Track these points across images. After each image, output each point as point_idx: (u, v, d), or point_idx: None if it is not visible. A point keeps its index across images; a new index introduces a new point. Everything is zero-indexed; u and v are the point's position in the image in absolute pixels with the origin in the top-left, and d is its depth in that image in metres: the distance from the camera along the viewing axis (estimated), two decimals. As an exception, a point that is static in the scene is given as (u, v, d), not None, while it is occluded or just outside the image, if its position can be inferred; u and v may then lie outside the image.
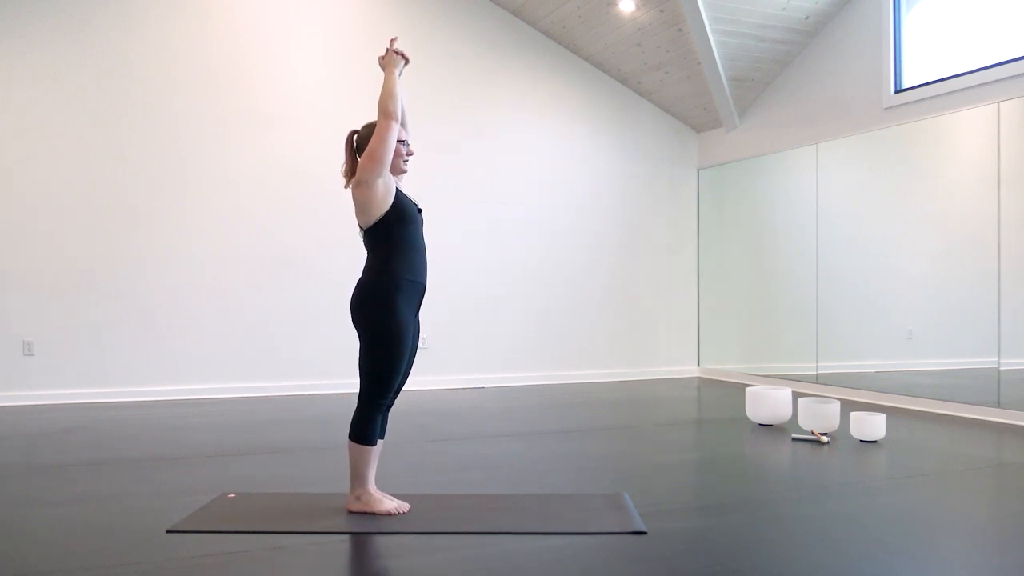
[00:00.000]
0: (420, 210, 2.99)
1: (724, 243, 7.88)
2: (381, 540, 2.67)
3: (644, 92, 7.86)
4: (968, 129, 5.59)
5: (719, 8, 6.33)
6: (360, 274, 2.94)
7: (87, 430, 4.79)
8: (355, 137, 3.01)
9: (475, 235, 7.23)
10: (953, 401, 5.55)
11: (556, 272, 7.55)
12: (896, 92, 6.09)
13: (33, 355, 5.93)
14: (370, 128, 2.94)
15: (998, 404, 5.28)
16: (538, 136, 7.50)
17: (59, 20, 6.02)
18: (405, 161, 2.98)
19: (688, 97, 7.64)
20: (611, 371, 7.75)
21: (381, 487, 3.17)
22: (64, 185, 6.03)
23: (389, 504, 2.90)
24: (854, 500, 3.18)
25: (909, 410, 5.67)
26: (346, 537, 2.68)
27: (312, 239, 6.67)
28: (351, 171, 2.99)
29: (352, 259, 6.80)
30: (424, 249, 2.97)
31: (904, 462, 3.95)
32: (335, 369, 6.68)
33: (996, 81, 5.37)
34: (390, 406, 3.00)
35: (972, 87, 5.52)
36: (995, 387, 5.32)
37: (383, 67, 2.95)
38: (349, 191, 2.94)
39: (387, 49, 2.97)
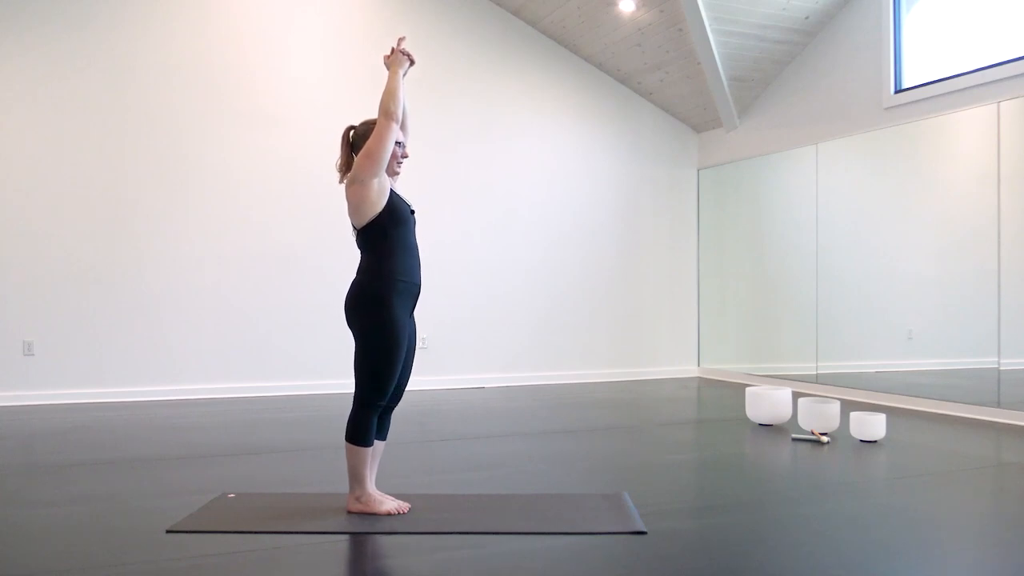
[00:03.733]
0: (413, 211, 2.98)
1: (724, 243, 7.88)
2: (381, 540, 2.67)
3: (644, 92, 7.86)
4: (968, 129, 5.59)
5: (719, 8, 6.33)
6: (354, 275, 2.93)
7: (87, 430, 4.79)
8: (351, 133, 3.00)
9: (475, 235, 7.23)
10: (953, 401, 5.55)
11: (556, 272, 7.55)
12: (896, 92, 6.09)
13: (33, 355, 5.93)
14: (367, 125, 2.93)
15: (998, 404, 5.28)
16: (538, 136, 7.50)
17: (59, 21, 6.01)
18: (400, 163, 2.97)
19: (688, 97, 7.64)
20: (611, 371, 7.75)
21: (382, 487, 3.17)
22: (64, 185, 6.03)
23: (389, 504, 2.90)
24: (854, 500, 3.18)
25: (909, 410, 5.67)
26: (346, 537, 2.68)
27: (313, 239, 6.67)
28: (346, 167, 2.99)
29: (353, 259, 6.79)
30: (417, 250, 2.95)
31: (904, 462, 3.95)
32: (335, 369, 6.67)
33: (996, 81, 5.37)
34: (392, 407, 2.99)
35: (972, 87, 5.52)
36: (995, 387, 5.32)
37: (388, 66, 2.94)
38: (342, 188, 2.94)
39: (393, 48, 2.96)
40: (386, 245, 2.85)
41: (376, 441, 2.98)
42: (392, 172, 2.96)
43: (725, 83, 7.10)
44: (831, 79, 6.62)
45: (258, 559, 2.46)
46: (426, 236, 7.04)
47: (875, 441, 4.41)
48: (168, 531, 2.71)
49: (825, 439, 4.40)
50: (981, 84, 5.46)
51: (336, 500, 3.08)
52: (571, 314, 7.60)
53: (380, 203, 2.84)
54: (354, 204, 2.85)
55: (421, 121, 6.88)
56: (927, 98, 5.82)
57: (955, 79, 5.64)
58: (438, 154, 7.03)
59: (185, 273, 6.32)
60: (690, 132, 8.19)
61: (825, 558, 2.48)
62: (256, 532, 2.70)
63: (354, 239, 2.94)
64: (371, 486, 2.93)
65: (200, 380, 6.34)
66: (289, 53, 6.66)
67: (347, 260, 6.96)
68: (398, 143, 2.93)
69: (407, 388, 3.08)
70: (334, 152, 7.44)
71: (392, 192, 2.90)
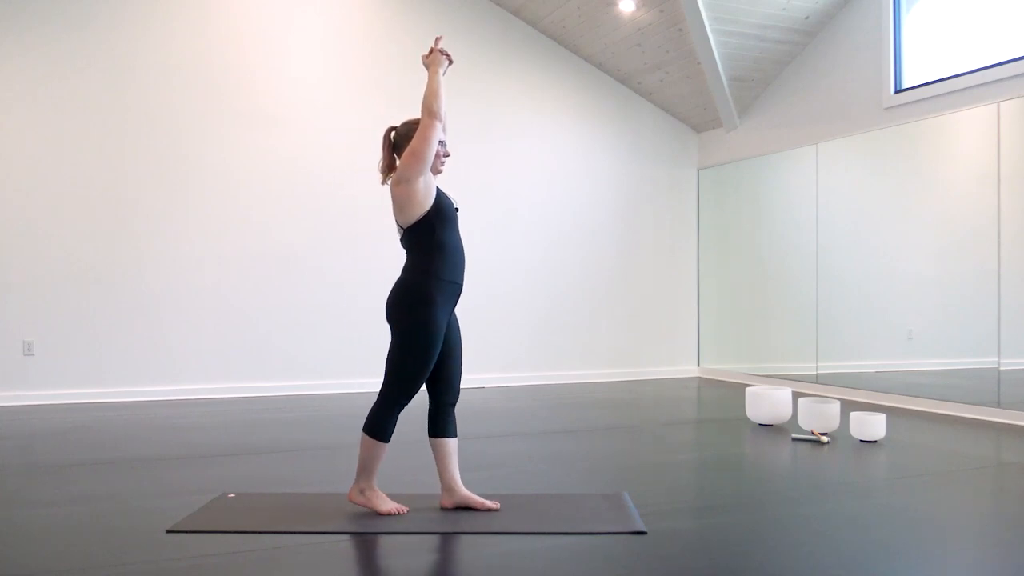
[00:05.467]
0: (457, 209, 2.99)
1: (724, 243, 7.88)
2: (381, 540, 2.67)
3: (644, 92, 7.86)
4: (968, 129, 5.59)
5: (719, 8, 6.33)
6: (400, 274, 2.93)
7: (87, 430, 4.79)
8: (392, 134, 3.00)
9: (475, 235, 7.21)
10: (953, 401, 5.55)
11: (556, 272, 7.55)
12: (896, 92, 6.09)
13: (33, 355, 5.93)
14: (408, 125, 2.94)
15: (998, 404, 5.28)
16: (538, 136, 7.50)
17: (59, 20, 6.01)
18: (442, 162, 2.97)
19: (688, 97, 7.64)
20: (611, 371, 7.75)
21: (382, 486, 3.18)
22: (64, 185, 6.03)
23: (390, 505, 2.91)
24: (854, 500, 3.18)
25: (909, 410, 5.67)
26: (346, 537, 2.69)
27: (313, 239, 6.67)
28: (388, 168, 2.99)
29: (352, 259, 6.81)
30: (462, 249, 2.96)
31: (904, 462, 3.95)
32: (335, 369, 6.68)
33: (996, 81, 5.37)
34: (453, 404, 3.00)
35: (972, 87, 5.52)
36: (995, 387, 5.32)
37: (427, 66, 2.94)
38: (375, 190, 2.95)
39: (431, 48, 2.97)
40: (433, 244, 2.87)
41: (447, 440, 2.97)
42: (435, 170, 2.96)
43: (725, 83, 7.10)
44: (831, 79, 6.62)
45: (258, 559, 2.46)
46: (426, 236, 7.04)
47: (875, 441, 4.41)
48: (168, 531, 2.71)
49: (825, 439, 4.40)
50: (981, 84, 5.46)
51: (336, 500, 3.08)
52: (571, 314, 7.60)
53: (427, 202, 2.86)
54: (400, 204, 2.86)
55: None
56: (927, 98, 5.82)
57: (955, 79, 5.64)
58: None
59: (185, 273, 6.32)
60: (690, 132, 8.19)
61: (825, 558, 2.48)
62: (256, 532, 2.70)
63: (399, 239, 2.95)
64: (459, 484, 2.95)
65: (200, 380, 6.34)
66: (289, 53, 6.66)
67: (349, 260, 6.97)
68: (440, 142, 2.93)
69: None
70: (334, 152, 7.44)
71: (438, 190, 2.92)
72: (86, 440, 4.46)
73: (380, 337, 6.80)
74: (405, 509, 2.93)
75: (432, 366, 2.88)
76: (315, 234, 6.68)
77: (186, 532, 2.70)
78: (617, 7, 6.74)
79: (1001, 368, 5.30)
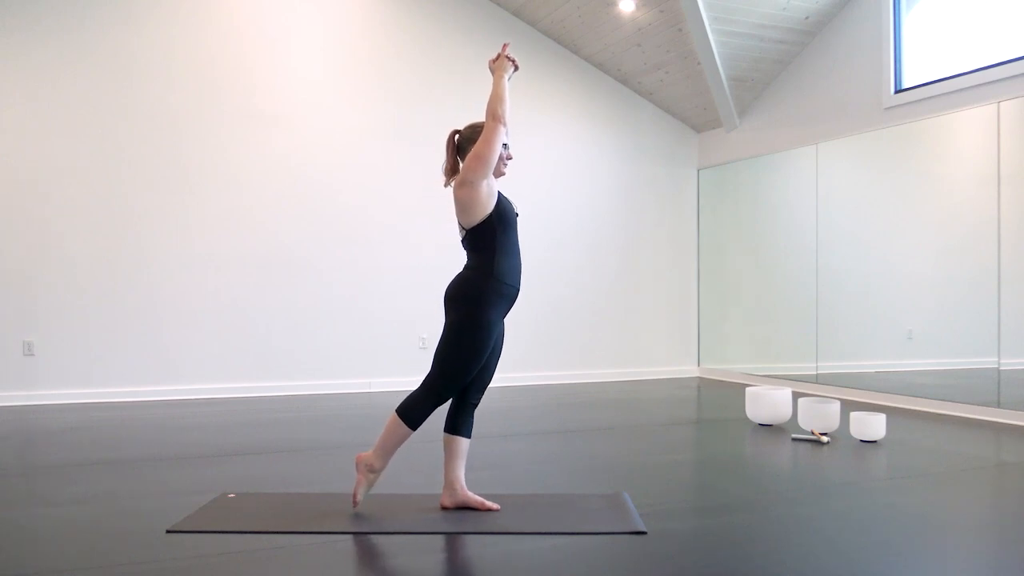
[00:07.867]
0: (517, 214, 3.02)
1: (724, 243, 7.88)
2: (381, 540, 2.67)
3: (644, 92, 7.86)
4: (968, 129, 5.59)
5: (719, 8, 6.33)
6: (461, 269, 2.96)
7: (87, 430, 4.78)
8: (456, 137, 3.04)
9: (475, 235, 7.22)
10: (953, 401, 5.55)
11: (556, 272, 7.55)
12: (896, 92, 6.09)
13: (33, 355, 5.93)
14: (472, 129, 2.99)
15: (998, 404, 5.28)
16: (538, 136, 7.50)
17: (59, 19, 6.01)
18: (505, 164, 3.00)
19: (688, 97, 7.64)
20: (611, 371, 7.74)
21: (385, 484, 3.18)
22: (64, 185, 6.03)
23: (360, 494, 2.91)
24: (854, 500, 3.18)
25: (909, 410, 5.67)
26: (346, 537, 2.68)
27: (312, 239, 6.67)
28: (452, 170, 3.04)
29: (352, 259, 6.81)
30: (519, 253, 2.99)
31: (904, 462, 3.95)
32: (335, 369, 6.68)
33: (996, 81, 5.37)
34: (476, 404, 3.02)
35: (972, 87, 5.52)
36: (995, 387, 5.32)
37: (493, 71, 3.02)
38: (438, 192, 2.98)
39: (499, 54, 3.01)
40: (494, 246, 2.90)
41: (461, 439, 2.98)
42: (498, 173, 2.99)
43: (725, 83, 7.10)
44: (831, 79, 6.62)
45: (258, 559, 2.47)
46: (428, 237, 7.03)
47: (875, 441, 4.41)
48: (168, 531, 2.71)
49: (825, 439, 4.40)
50: (981, 84, 5.46)
51: (336, 500, 3.08)
52: (571, 314, 7.60)
53: (490, 204, 2.89)
54: (463, 205, 2.89)
55: (422, 121, 6.90)
56: (927, 98, 5.82)
57: (955, 79, 5.64)
58: (439, 154, 7.01)
59: (185, 273, 6.32)
60: (690, 132, 8.19)
61: (825, 558, 2.48)
62: (256, 532, 2.70)
63: (460, 240, 2.98)
64: (461, 485, 2.96)
65: (200, 380, 6.34)
66: (290, 52, 6.66)
67: (348, 260, 6.96)
68: (504, 144, 2.96)
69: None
70: (334, 152, 7.43)
71: (500, 194, 2.95)
72: (86, 440, 4.46)
73: (380, 338, 6.83)
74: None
75: (480, 365, 2.91)
76: (315, 234, 6.67)
77: (186, 532, 2.70)
78: (617, 7, 6.74)
79: (1001, 368, 5.30)
